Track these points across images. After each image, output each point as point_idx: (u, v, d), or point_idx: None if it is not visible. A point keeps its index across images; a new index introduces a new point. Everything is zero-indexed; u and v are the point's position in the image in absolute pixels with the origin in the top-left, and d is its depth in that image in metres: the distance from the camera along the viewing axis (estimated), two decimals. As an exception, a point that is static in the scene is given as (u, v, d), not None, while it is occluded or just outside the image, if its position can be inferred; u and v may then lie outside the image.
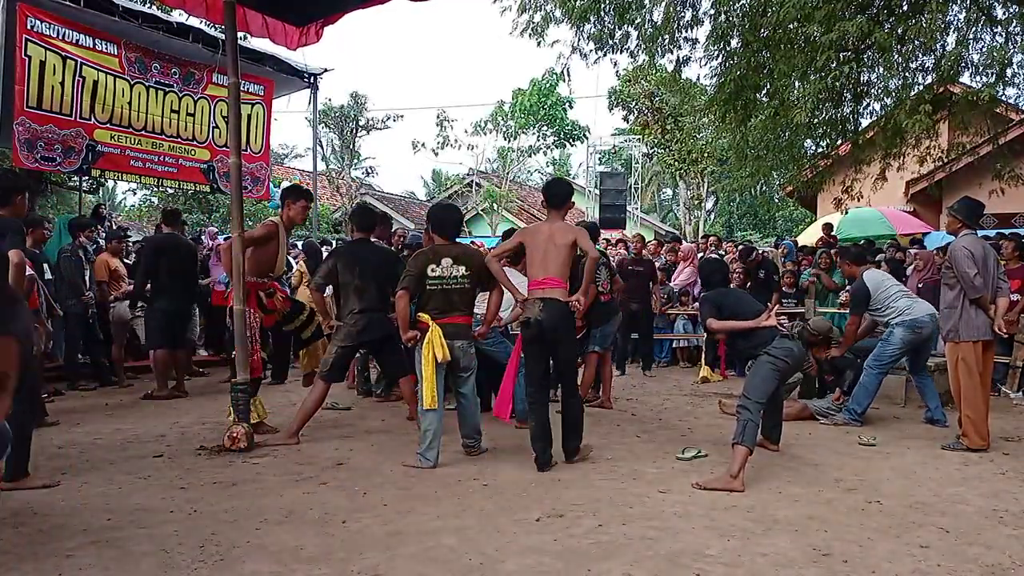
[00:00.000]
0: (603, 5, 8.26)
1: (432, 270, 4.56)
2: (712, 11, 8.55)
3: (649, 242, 13.38)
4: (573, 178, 34.35)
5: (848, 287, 8.61)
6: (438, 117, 22.59)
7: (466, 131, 25.92)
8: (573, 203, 4.85)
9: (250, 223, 16.89)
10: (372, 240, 5.67)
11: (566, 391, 4.67)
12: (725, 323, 4.56)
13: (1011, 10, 8.00)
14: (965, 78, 8.72)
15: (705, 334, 8.10)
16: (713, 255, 10.30)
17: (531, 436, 4.52)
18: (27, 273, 4.43)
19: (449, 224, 4.81)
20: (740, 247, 10.12)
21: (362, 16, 7.16)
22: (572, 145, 25.41)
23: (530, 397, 4.60)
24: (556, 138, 23.82)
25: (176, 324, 6.97)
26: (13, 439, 3.94)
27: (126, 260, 8.35)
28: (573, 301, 4.54)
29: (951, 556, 3.15)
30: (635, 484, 4.18)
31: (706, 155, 24.17)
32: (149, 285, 7.01)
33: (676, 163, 25.66)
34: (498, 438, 5.26)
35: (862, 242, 11.06)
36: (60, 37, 8.26)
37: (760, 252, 9.98)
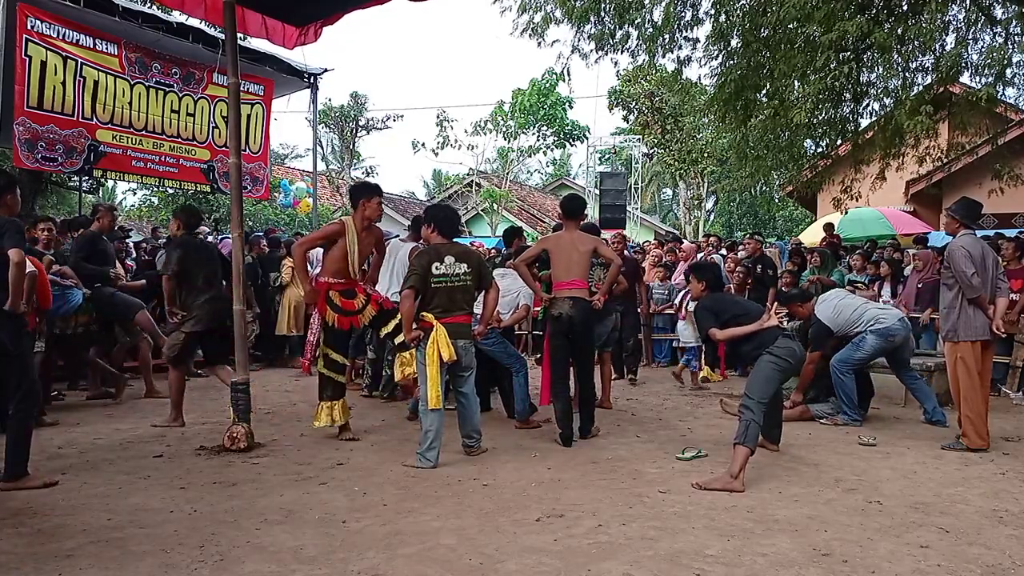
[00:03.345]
0: (603, 5, 8.25)
1: (436, 268, 4.58)
2: (712, 11, 8.54)
3: (645, 242, 13.37)
4: (573, 178, 34.42)
5: (849, 281, 8.63)
6: (438, 117, 22.62)
7: (466, 131, 25.94)
8: (586, 215, 5.25)
9: (249, 223, 16.89)
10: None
11: (583, 378, 5.39)
12: (728, 331, 4.53)
13: (1011, 10, 7.98)
14: (965, 78, 8.72)
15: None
16: (713, 255, 10.28)
17: (556, 418, 5.21)
18: (28, 270, 4.42)
19: (453, 224, 4.88)
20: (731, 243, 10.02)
21: (362, 16, 7.18)
22: (572, 145, 25.43)
23: (555, 385, 5.26)
24: (556, 138, 23.82)
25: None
26: (13, 438, 3.96)
27: (126, 262, 8.34)
28: (595, 300, 5.30)
29: (951, 556, 3.15)
30: (635, 484, 4.19)
31: (706, 155, 24.19)
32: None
33: (676, 163, 25.68)
34: (498, 438, 5.27)
35: (866, 243, 11.07)
36: (60, 37, 8.27)
37: (760, 246, 9.90)
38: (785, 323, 5.11)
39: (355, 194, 5.27)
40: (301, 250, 5.39)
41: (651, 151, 27.09)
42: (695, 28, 8.73)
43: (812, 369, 6.04)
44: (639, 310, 8.88)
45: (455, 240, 4.90)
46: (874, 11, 7.62)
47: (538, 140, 23.82)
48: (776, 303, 7.24)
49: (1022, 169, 9.53)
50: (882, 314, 6.01)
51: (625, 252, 8.74)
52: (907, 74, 8.47)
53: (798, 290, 7.01)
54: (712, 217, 34.64)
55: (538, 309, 6.50)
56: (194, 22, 9.17)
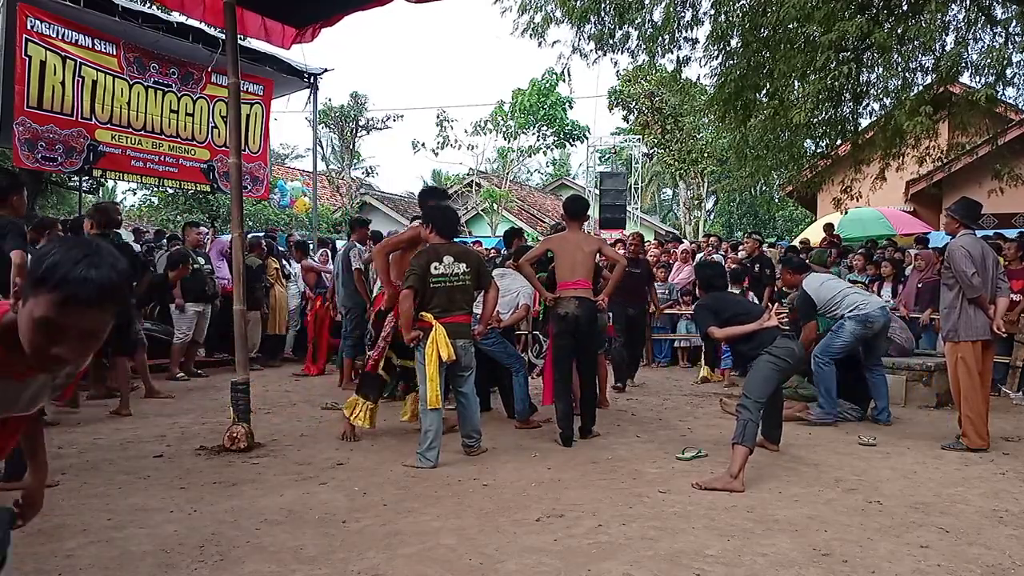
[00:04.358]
0: (603, 5, 8.26)
1: (435, 268, 4.58)
2: (712, 11, 8.55)
3: (647, 242, 13.34)
4: (573, 178, 34.41)
5: (849, 281, 8.62)
6: (438, 117, 22.62)
7: (466, 131, 25.95)
8: (588, 216, 5.32)
9: (250, 223, 16.87)
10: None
11: (586, 377, 5.41)
12: (727, 330, 4.51)
13: (1011, 10, 7.99)
14: (965, 78, 8.73)
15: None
16: (712, 256, 10.28)
17: (557, 418, 5.20)
18: None
19: (451, 224, 4.87)
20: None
21: (362, 17, 7.16)
22: (572, 145, 25.44)
23: (557, 385, 5.25)
24: (556, 138, 23.82)
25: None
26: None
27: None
28: (600, 300, 5.35)
29: (951, 556, 3.15)
30: (635, 484, 4.19)
31: (706, 155, 24.21)
32: None
33: (676, 163, 25.70)
34: (498, 438, 5.27)
35: (868, 242, 11.07)
36: (60, 37, 8.27)
37: (759, 245, 9.89)
38: (785, 317, 5.08)
39: (427, 198, 5.32)
40: (384, 253, 5.26)
41: (651, 151, 27.10)
42: (695, 28, 8.76)
43: (811, 338, 6.02)
44: (650, 312, 8.75)
45: (454, 240, 4.90)
46: (874, 11, 7.63)
47: (538, 140, 23.83)
48: (775, 302, 7.26)
49: (1022, 169, 9.53)
50: (862, 300, 6.00)
51: (641, 254, 8.44)
52: (907, 74, 8.47)
53: (799, 259, 7.05)
54: (712, 217, 34.64)
55: (538, 309, 6.50)
56: (193, 22, 9.17)
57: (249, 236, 9.14)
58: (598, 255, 5.57)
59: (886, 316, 6.03)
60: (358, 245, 7.57)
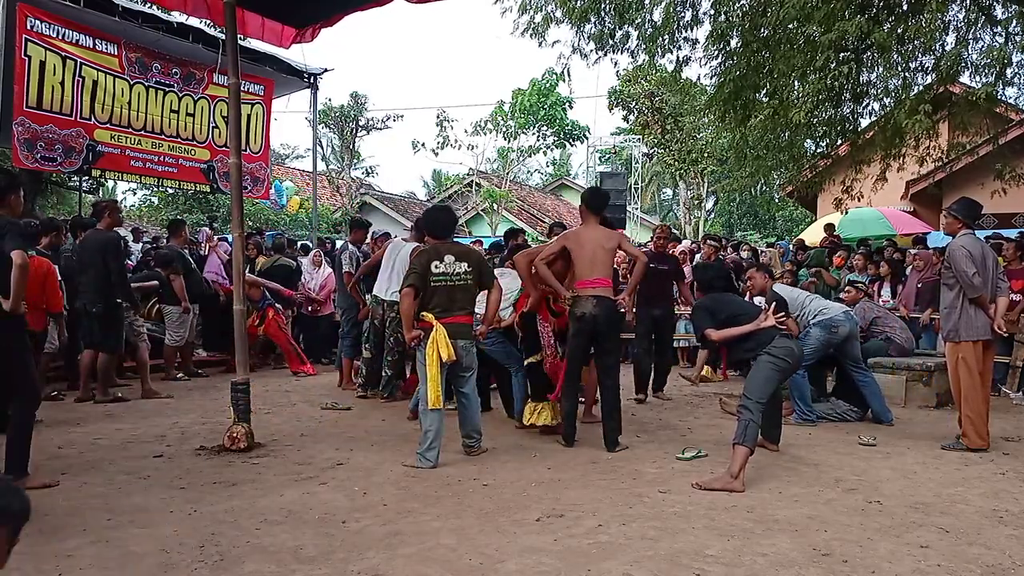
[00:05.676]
0: (603, 5, 8.26)
1: (436, 267, 4.57)
2: (712, 11, 8.55)
3: (648, 242, 13.33)
4: (573, 178, 34.41)
5: (848, 282, 8.63)
6: (438, 117, 22.61)
7: (466, 131, 25.94)
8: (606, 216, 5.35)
9: (250, 223, 16.88)
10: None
11: (607, 380, 5.10)
12: (724, 332, 4.50)
13: (1011, 10, 7.99)
14: (965, 78, 8.73)
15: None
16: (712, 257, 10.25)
17: (562, 415, 5.16)
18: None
19: (443, 225, 4.86)
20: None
21: (362, 17, 7.15)
22: (572, 145, 25.45)
23: (566, 384, 5.09)
24: (556, 138, 23.82)
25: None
26: (13, 439, 3.95)
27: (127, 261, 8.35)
28: (621, 299, 5.15)
29: (951, 556, 3.15)
30: (635, 484, 4.18)
31: (706, 155, 24.20)
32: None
33: (676, 163, 25.70)
34: (498, 438, 5.27)
35: (870, 242, 11.06)
36: (60, 37, 8.28)
37: (715, 251, 9.73)
38: (783, 317, 5.07)
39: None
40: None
41: (651, 151, 27.10)
42: (695, 28, 8.75)
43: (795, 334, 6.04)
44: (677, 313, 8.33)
45: (455, 240, 4.90)
46: (874, 11, 7.63)
47: (538, 140, 23.83)
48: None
49: (1023, 169, 9.53)
50: (824, 306, 6.09)
51: (667, 250, 7.55)
52: (907, 74, 8.47)
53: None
54: (712, 217, 34.64)
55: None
56: (194, 22, 9.17)
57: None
58: (618, 251, 5.31)
59: (851, 321, 6.08)
60: (351, 247, 7.57)
